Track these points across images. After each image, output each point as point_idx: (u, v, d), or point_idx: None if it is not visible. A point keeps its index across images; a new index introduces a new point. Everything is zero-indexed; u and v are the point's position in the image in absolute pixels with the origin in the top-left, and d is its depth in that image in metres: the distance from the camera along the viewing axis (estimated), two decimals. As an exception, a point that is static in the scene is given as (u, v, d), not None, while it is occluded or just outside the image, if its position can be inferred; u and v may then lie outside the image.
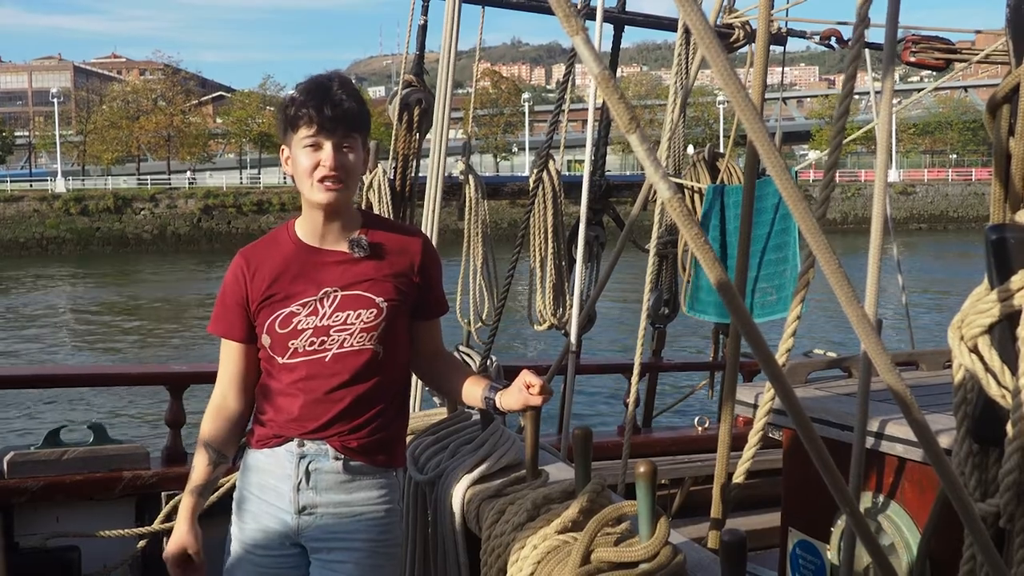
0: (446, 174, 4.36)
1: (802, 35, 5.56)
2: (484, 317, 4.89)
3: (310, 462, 2.48)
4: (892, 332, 12.78)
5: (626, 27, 5.33)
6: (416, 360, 2.69)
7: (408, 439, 2.81)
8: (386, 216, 4.22)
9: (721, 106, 68.66)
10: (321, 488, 2.48)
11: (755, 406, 2.89)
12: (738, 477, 2.91)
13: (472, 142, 5.28)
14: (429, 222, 4.14)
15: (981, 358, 1.50)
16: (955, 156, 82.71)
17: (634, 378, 3.87)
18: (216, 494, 3.93)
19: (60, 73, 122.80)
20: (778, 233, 4.65)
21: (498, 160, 75.68)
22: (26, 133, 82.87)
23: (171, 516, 3.93)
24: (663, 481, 5.09)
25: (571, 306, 4.40)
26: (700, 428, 5.38)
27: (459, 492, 2.74)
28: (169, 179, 62.46)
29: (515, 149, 75.70)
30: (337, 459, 2.47)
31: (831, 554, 2.75)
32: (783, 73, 6.35)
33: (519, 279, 4.53)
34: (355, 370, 2.46)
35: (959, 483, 1.40)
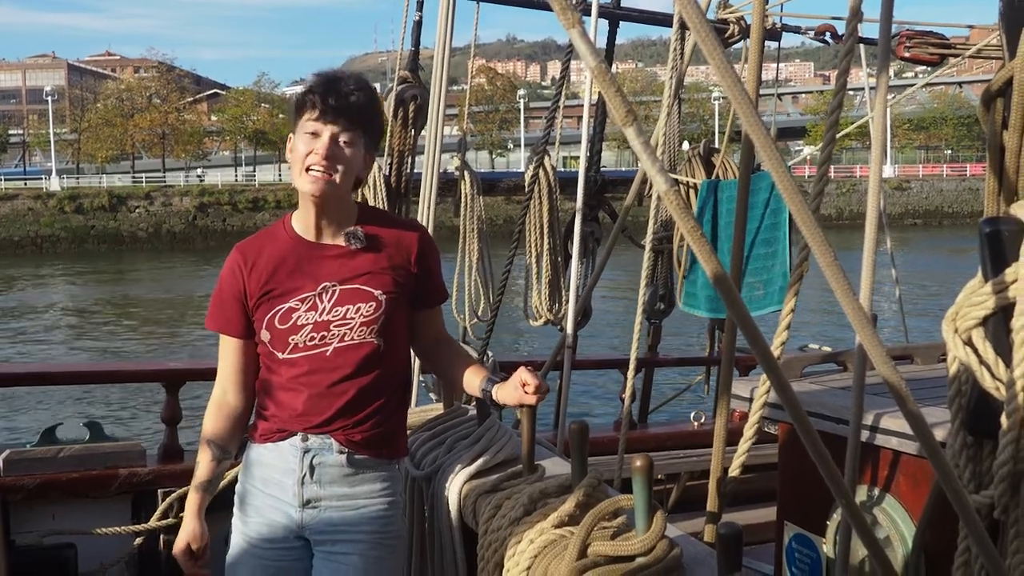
0: (441, 170, 4.36)
1: (797, 31, 5.56)
2: (480, 313, 4.90)
3: (314, 456, 2.48)
4: (887, 327, 12.81)
5: (621, 22, 5.33)
6: (419, 347, 2.70)
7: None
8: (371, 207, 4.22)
9: (716, 102, 68.62)
10: (325, 482, 2.49)
11: (751, 400, 2.90)
12: (733, 471, 2.92)
13: (467, 138, 5.28)
14: (425, 218, 4.13)
15: (975, 350, 1.50)
16: (950, 152, 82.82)
17: (630, 373, 3.88)
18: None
19: (54, 71, 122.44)
20: (767, 228, 4.65)
21: (493, 156, 75.68)
22: (20, 131, 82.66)
23: (167, 513, 3.94)
24: (659, 476, 5.10)
25: (567, 301, 4.40)
26: (696, 423, 5.39)
27: (456, 487, 2.75)
28: (164, 177, 62.34)
29: (511, 145, 75.67)
30: (341, 453, 2.48)
31: (827, 547, 2.76)
32: (778, 69, 6.35)
33: (515, 275, 4.53)
34: (357, 364, 2.47)
35: (954, 475, 1.40)
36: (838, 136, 2.33)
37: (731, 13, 5.04)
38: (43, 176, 58.53)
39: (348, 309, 2.46)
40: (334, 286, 2.47)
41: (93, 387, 13.44)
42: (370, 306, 2.47)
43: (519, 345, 17.43)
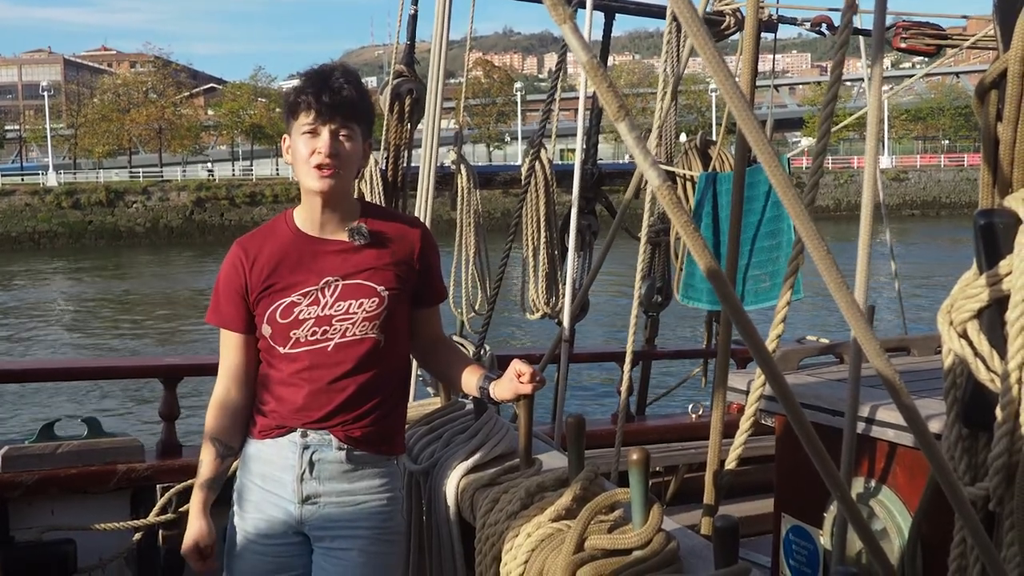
0: (438, 164, 4.35)
1: (793, 22, 5.55)
2: (477, 307, 4.90)
3: (313, 452, 2.49)
4: (885, 318, 12.81)
5: (617, 15, 5.32)
6: (417, 347, 2.71)
7: (402, 429, 2.81)
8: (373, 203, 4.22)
9: (713, 94, 68.55)
10: (324, 478, 2.49)
11: (747, 392, 2.90)
12: (730, 463, 2.92)
13: (464, 132, 5.27)
14: (422, 212, 4.13)
15: (970, 343, 1.50)
16: (947, 142, 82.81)
17: (626, 366, 3.88)
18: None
19: (50, 66, 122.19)
20: (771, 220, 4.65)
21: (491, 150, 75.61)
22: (17, 127, 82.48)
23: (166, 509, 3.94)
24: (658, 469, 5.10)
25: (564, 295, 4.40)
26: (694, 415, 5.39)
27: (453, 481, 2.75)
28: (161, 172, 62.24)
29: (507, 139, 75.61)
30: (340, 449, 2.48)
31: (824, 539, 2.76)
32: (774, 60, 6.35)
33: (512, 268, 4.53)
34: (358, 359, 2.47)
35: (948, 467, 1.40)
36: (836, 128, 2.34)
37: (727, 5, 5.03)
38: (40, 172, 58.49)
39: (351, 304, 2.46)
40: (337, 281, 2.47)
41: (91, 383, 13.44)
42: (372, 301, 2.47)
43: (516, 339, 17.43)
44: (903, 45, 5.31)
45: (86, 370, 5.31)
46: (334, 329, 2.46)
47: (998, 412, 1.47)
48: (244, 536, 2.57)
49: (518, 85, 76.43)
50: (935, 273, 27.00)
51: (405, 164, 4.57)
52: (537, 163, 4.64)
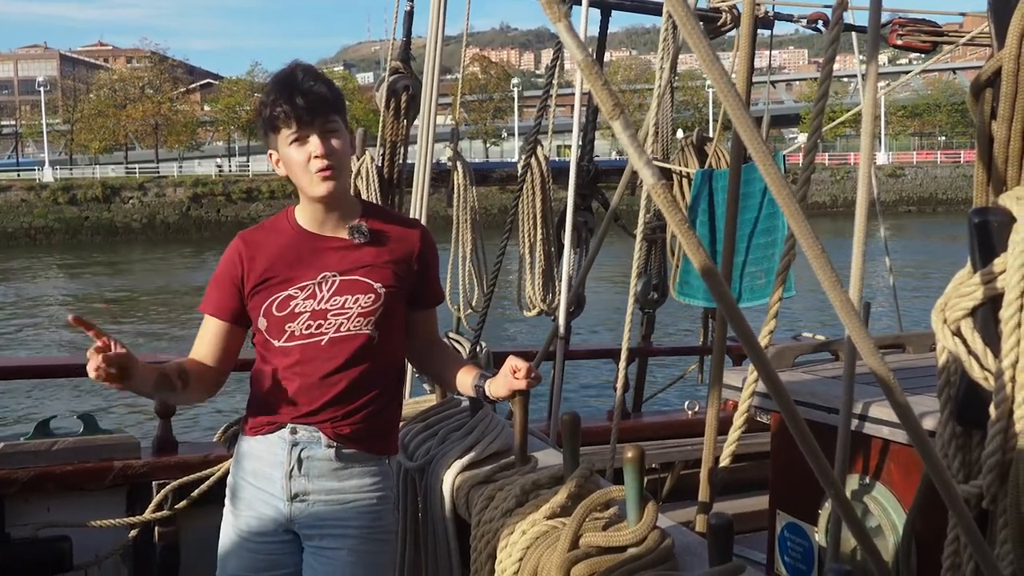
0: (434, 161, 4.35)
1: (789, 19, 5.56)
2: (474, 304, 4.90)
3: (302, 449, 2.48)
4: (881, 315, 12.83)
5: (613, 11, 5.32)
6: (413, 349, 2.71)
7: (398, 426, 2.81)
8: (374, 203, 4.21)
9: (710, 90, 68.50)
10: (313, 475, 2.49)
11: (742, 390, 2.90)
12: (724, 460, 2.93)
13: (461, 128, 5.26)
14: (418, 209, 4.13)
15: (964, 341, 1.51)
16: (944, 138, 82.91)
17: (622, 363, 3.87)
18: (208, 483, 3.95)
19: (46, 62, 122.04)
20: (767, 217, 4.66)
21: (487, 146, 75.55)
22: (13, 122, 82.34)
23: (162, 505, 3.94)
24: (654, 465, 5.10)
25: (560, 291, 4.40)
26: (690, 412, 5.39)
27: (449, 479, 2.76)
28: (158, 167, 62.14)
29: (504, 135, 75.56)
30: (329, 447, 2.48)
31: (819, 536, 2.77)
32: (771, 56, 6.34)
33: (509, 265, 4.53)
34: (350, 354, 2.47)
35: (941, 465, 1.41)
36: (832, 124, 2.34)
37: (723, 2, 5.03)
38: (36, 167, 58.24)
39: (347, 299, 2.47)
40: (334, 276, 2.48)
41: (87, 380, 13.40)
42: (368, 297, 2.47)
43: (513, 336, 17.43)
44: (899, 42, 5.31)
45: (82, 367, 5.29)
46: (328, 323, 2.46)
47: (992, 410, 1.47)
48: (237, 533, 2.56)
49: (515, 81, 76.37)
50: (931, 269, 27.02)
51: (401, 160, 4.57)
52: (533, 159, 4.64)
